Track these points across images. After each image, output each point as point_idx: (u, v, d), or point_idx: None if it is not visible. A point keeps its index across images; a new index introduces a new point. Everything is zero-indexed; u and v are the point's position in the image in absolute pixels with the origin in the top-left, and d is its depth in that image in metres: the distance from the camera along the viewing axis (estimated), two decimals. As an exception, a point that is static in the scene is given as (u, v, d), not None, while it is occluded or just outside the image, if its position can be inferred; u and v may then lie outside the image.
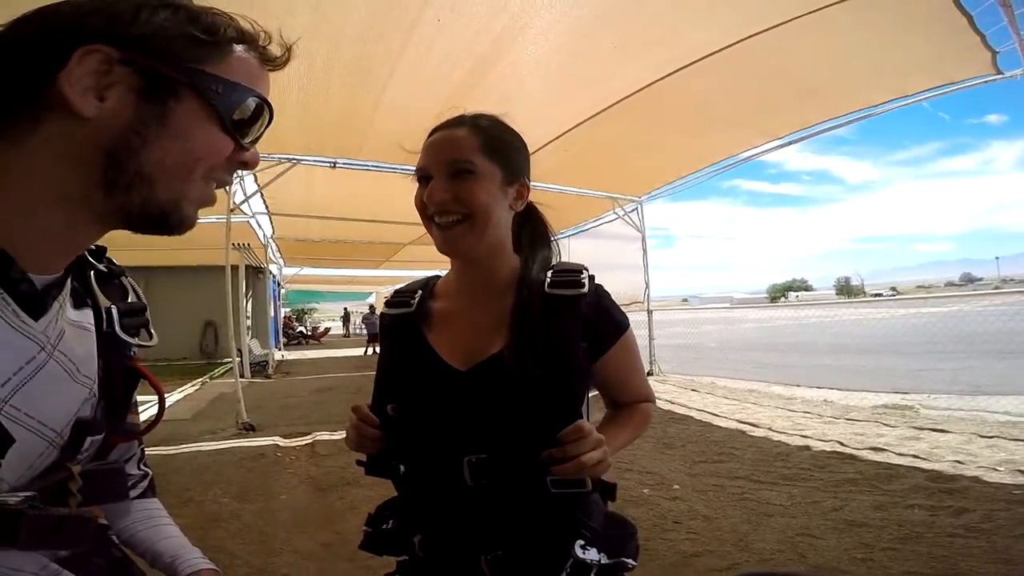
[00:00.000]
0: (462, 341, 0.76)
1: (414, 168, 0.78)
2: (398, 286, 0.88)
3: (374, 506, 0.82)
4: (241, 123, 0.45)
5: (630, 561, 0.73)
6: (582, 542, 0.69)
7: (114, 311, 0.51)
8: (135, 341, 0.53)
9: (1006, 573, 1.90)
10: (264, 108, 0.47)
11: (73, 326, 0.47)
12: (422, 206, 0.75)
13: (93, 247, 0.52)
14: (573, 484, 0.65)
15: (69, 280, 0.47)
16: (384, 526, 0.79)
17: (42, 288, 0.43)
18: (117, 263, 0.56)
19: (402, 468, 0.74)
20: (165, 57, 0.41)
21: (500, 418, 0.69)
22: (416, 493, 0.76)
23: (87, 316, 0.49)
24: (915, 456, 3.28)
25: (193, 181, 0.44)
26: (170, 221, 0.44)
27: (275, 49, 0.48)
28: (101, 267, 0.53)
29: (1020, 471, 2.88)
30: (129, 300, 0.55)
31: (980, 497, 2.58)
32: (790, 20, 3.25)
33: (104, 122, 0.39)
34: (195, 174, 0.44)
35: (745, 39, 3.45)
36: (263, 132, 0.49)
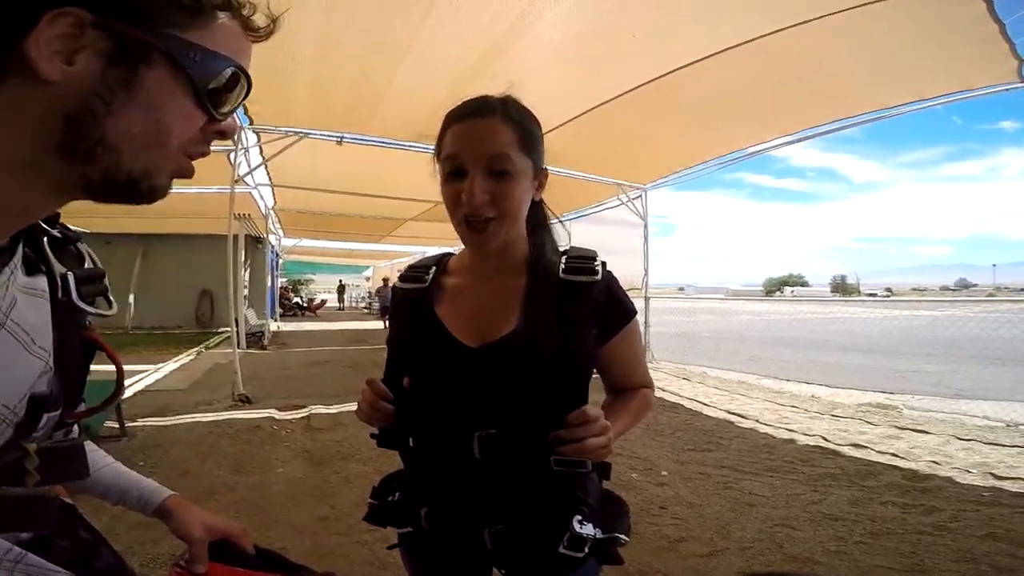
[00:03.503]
0: (473, 319, 0.77)
1: (429, 147, 0.75)
2: (411, 263, 0.88)
3: (369, 481, 0.86)
4: (216, 92, 0.43)
5: (622, 537, 0.76)
6: (579, 517, 0.72)
7: (70, 277, 0.48)
8: (93, 310, 0.50)
9: (968, 572, 1.99)
10: (241, 78, 0.45)
11: (25, 293, 0.43)
12: (455, 203, 0.72)
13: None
14: (574, 463, 0.68)
15: (21, 246, 0.44)
16: (390, 499, 0.82)
17: None
18: (73, 229, 0.52)
19: (411, 442, 0.76)
20: (141, 21, 0.39)
21: (510, 396, 0.71)
22: (425, 466, 0.78)
23: (40, 282, 0.46)
24: (894, 455, 3.37)
25: (167, 154, 0.42)
26: (139, 190, 0.42)
27: (260, 19, 0.46)
28: (55, 232, 0.49)
29: (991, 474, 2.98)
30: (86, 266, 0.51)
31: (951, 497, 2.68)
32: (815, 19, 3.20)
33: (67, 87, 0.37)
34: (168, 147, 0.42)
35: (767, 35, 3.39)
36: (240, 103, 0.46)
